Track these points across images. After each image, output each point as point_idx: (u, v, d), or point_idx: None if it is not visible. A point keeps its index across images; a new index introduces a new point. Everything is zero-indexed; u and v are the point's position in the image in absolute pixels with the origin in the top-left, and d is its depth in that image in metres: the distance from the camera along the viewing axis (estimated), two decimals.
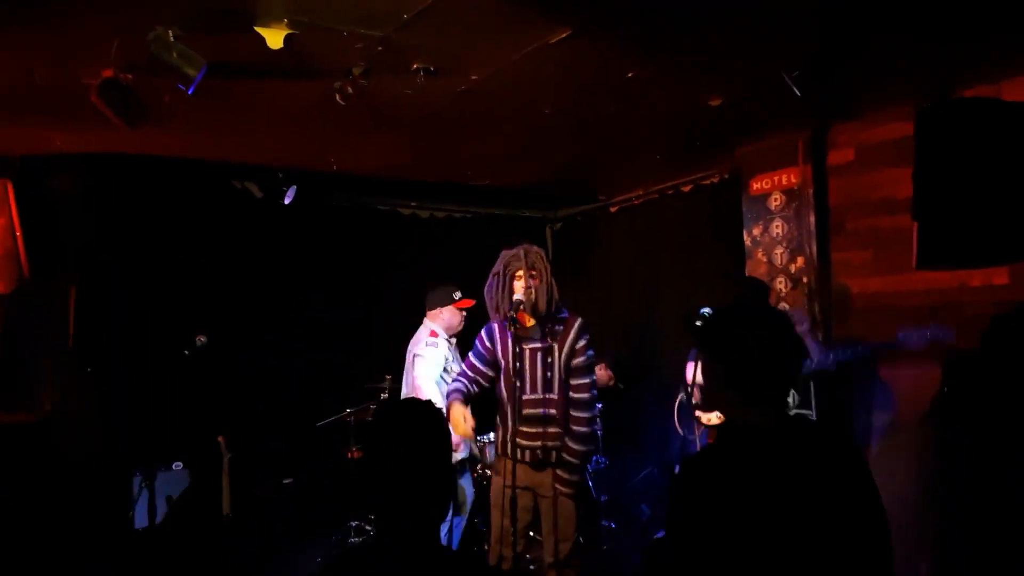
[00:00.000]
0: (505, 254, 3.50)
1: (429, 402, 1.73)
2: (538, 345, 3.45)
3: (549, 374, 3.43)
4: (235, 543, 4.81)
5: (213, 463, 4.92)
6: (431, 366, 4.34)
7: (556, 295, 3.47)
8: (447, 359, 4.44)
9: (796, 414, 3.70)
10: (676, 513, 1.68)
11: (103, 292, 4.91)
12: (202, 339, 4.52)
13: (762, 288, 4.23)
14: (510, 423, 3.44)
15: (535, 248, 3.50)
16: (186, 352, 4.48)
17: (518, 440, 3.40)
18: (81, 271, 4.89)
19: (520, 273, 3.40)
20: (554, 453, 3.41)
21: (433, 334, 4.49)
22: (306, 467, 5.57)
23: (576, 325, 3.47)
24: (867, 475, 1.68)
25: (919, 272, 3.87)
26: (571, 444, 3.40)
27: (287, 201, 5.39)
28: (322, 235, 5.98)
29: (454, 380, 3.72)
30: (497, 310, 3.47)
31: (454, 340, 4.59)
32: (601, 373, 5.14)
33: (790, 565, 1.56)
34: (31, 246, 4.64)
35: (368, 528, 5.07)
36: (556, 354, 3.44)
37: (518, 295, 3.37)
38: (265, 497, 5.36)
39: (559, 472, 3.42)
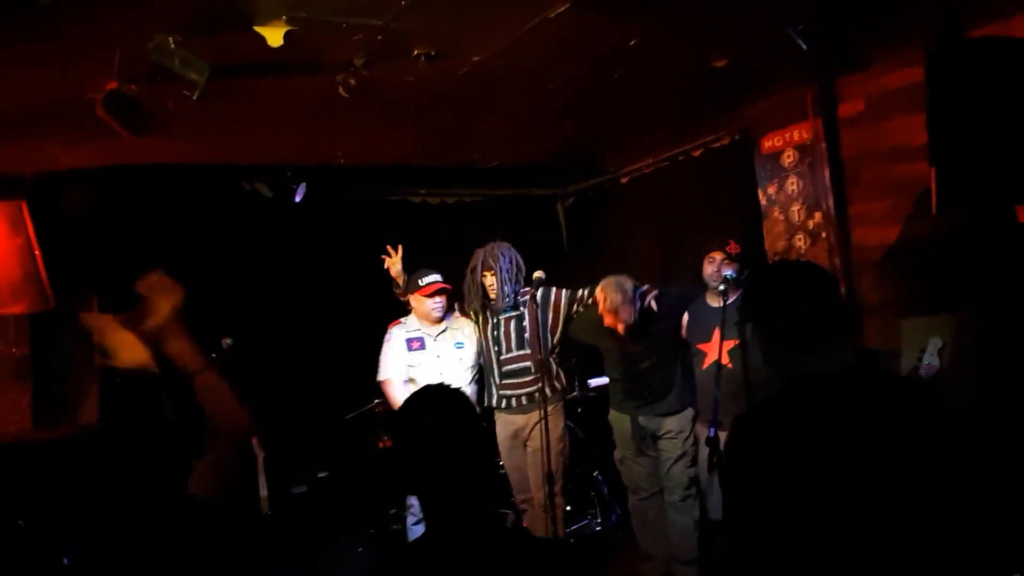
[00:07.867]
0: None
1: (454, 389, 1.67)
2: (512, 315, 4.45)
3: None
4: (278, 540, 4.85)
5: (248, 464, 4.96)
6: (384, 355, 4.44)
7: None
8: (411, 347, 4.41)
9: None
10: (746, 469, 1.61)
11: (125, 304, 4.95)
12: (228, 341, 4.55)
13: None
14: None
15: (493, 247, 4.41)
16: (213, 355, 4.50)
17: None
18: (100, 285, 4.90)
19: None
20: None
21: (395, 322, 4.50)
22: (340, 460, 5.60)
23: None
24: (945, 426, 1.63)
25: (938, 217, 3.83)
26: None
27: (298, 199, 5.38)
28: (335, 230, 5.96)
29: None
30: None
31: (443, 329, 4.50)
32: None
33: (863, 522, 1.51)
34: (50, 265, 4.66)
35: (405, 515, 5.11)
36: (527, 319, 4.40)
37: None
38: (302, 493, 5.40)
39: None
